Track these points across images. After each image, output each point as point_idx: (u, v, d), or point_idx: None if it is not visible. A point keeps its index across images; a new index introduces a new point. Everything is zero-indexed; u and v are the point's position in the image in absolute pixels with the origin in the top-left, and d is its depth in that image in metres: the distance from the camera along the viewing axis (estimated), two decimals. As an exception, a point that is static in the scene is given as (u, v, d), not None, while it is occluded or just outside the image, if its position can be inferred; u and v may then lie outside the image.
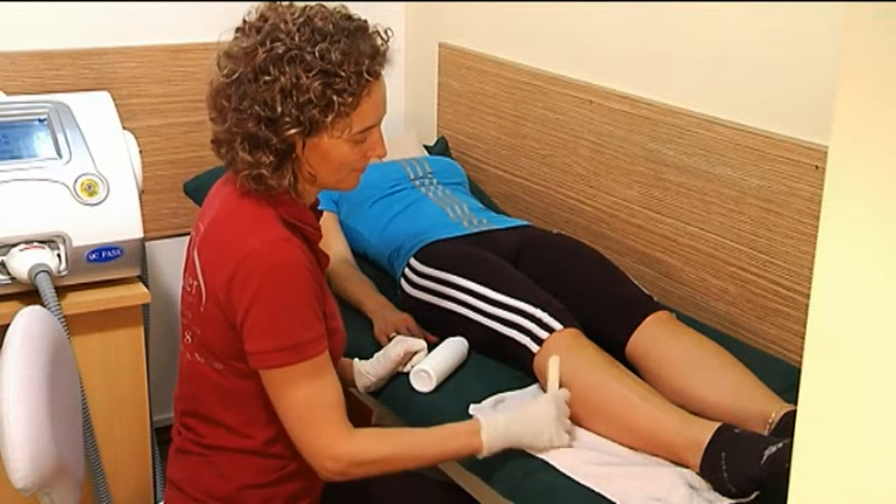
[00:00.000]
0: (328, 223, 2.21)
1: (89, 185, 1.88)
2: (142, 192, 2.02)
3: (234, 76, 1.38)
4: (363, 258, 2.18)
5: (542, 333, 1.72)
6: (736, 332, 1.95)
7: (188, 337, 1.52)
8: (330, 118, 1.38)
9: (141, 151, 2.01)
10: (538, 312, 1.74)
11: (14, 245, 1.80)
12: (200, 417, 1.53)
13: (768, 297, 1.88)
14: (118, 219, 1.88)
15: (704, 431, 1.47)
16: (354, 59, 1.39)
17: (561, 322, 1.72)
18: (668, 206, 2.07)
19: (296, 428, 1.42)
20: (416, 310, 1.93)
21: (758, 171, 1.86)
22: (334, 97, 1.37)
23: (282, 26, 1.39)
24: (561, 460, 1.52)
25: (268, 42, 1.37)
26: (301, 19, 1.40)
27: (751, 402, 1.58)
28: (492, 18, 2.55)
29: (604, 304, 1.84)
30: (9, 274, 1.80)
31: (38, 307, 1.61)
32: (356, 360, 1.75)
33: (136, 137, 2.02)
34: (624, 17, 2.14)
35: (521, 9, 2.43)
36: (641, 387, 1.62)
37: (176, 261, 2.62)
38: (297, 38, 1.37)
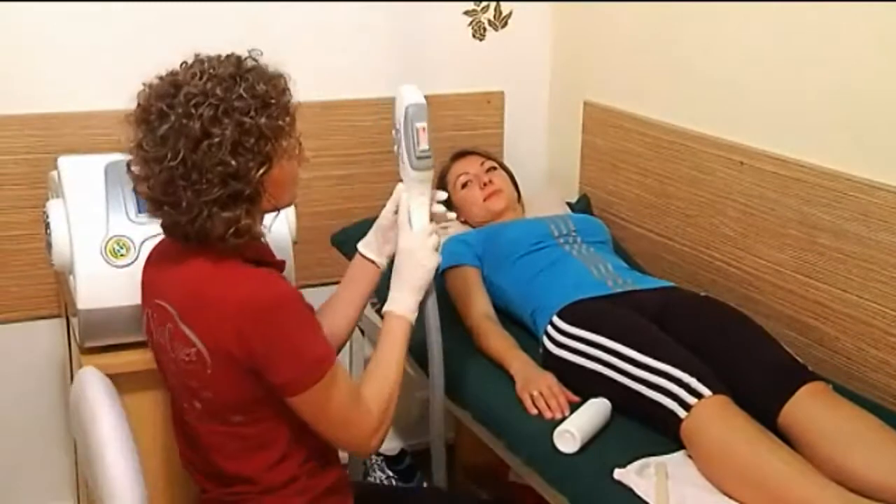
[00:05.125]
0: (471, 278, 2.24)
1: (248, 235, 1.96)
2: (294, 243, 2.10)
3: (179, 157, 1.40)
4: (505, 314, 2.19)
5: (690, 399, 1.68)
6: (896, 405, 1.86)
7: (197, 405, 1.55)
8: (284, 143, 1.47)
9: (295, 204, 2.09)
10: (686, 377, 1.70)
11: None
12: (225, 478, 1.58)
13: (933, 371, 1.79)
14: (273, 269, 1.95)
15: (867, 512, 1.41)
16: (272, 83, 1.47)
17: (710, 388, 1.68)
18: (822, 271, 2.00)
19: (338, 432, 1.52)
20: (558, 368, 1.92)
21: (923, 238, 1.78)
22: (279, 122, 1.45)
23: (194, 91, 1.41)
24: (710, 533, 1.48)
25: (192, 110, 1.39)
26: (204, 77, 1.43)
27: (918, 482, 1.50)
28: (637, 77, 2.55)
29: (754, 370, 1.79)
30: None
31: (91, 369, 1.67)
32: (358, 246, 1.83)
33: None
34: (774, 75, 2.10)
35: (668, 67, 2.42)
36: (796, 460, 1.56)
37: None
38: (218, 92, 1.41)
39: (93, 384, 1.60)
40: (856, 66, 1.91)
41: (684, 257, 2.40)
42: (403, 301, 1.67)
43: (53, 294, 2.39)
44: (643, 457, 1.68)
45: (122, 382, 1.70)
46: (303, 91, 2.55)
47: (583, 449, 1.71)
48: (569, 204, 2.70)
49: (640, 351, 1.78)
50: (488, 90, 2.81)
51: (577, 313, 1.96)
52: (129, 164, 1.49)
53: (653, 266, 2.46)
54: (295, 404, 1.48)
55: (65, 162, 2.04)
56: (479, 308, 2.14)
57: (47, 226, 1.97)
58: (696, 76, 2.34)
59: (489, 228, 2.37)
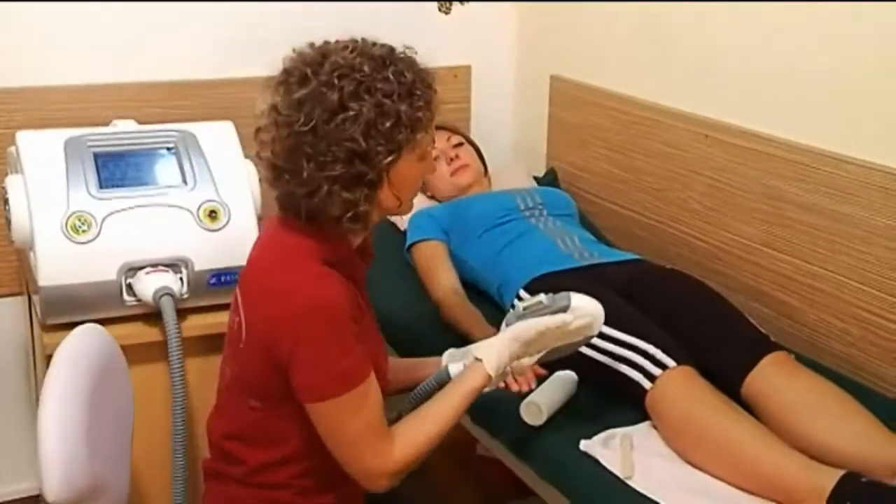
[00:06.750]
0: (438, 253, 2.24)
1: (212, 211, 1.94)
2: (260, 219, 2.07)
3: (311, 124, 1.35)
4: (472, 288, 2.18)
5: (655, 370, 1.69)
6: (857, 375, 1.88)
7: (227, 372, 1.54)
8: (419, 135, 1.40)
9: (261, 179, 2.07)
10: (651, 348, 1.71)
11: (141, 268, 1.87)
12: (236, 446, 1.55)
13: (895, 341, 1.81)
14: (238, 244, 1.92)
15: (828, 478, 1.42)
16: (421, 75, 1.42)
17: (674, 359, 1.69)
18: (788, 244, 2.02)
19: (346, 456, 1.42)
20: (525, 342, 1.92)
21: (888, 210, 1.79)
22: (419, 114, 1.39)
23: (341, 62, 1.37)
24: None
25: (335, 80, 1.36)
26: (355, 52, 1.39)
27: (877, 449, 1.52)
28: (604, 51, 2.54)
29: (718, 342, 1.80)
30: (135, 296, 1.87)
31: (93, 326, 1.65)
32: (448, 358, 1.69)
33: (256, 165, 2.08)
34: (741, 51, 2.10)
35: (634, 41, 2.42)
36: (760, 429, 1.58)
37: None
38: (365, 69, 1.37)
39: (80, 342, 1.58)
40: (821, 41, 1.92)
41: (652, 231, 2.40)
42: (499, 365, 1.50)
43: (14, 271, 2.36)
44: (609, 428, 1.69)
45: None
46: (270, 67, 2.55)
47: (549, 421, 1.71)
48: (536, 178, 2.69)
49: (605, 323, 1.78)
50: (455, 64, 2.79)
51: (543, 287, 1.95)
52: (257, 130, 1.44)
53: (621, 240, 2.47)
54: (310, 412, 1.41)
55: (23, 137, 2.00)
56: (446, 282, 2.13)
57: (6, 202, 1.93)
58: (663, 50, 2.33)
59: (456, 203, 2.37)
